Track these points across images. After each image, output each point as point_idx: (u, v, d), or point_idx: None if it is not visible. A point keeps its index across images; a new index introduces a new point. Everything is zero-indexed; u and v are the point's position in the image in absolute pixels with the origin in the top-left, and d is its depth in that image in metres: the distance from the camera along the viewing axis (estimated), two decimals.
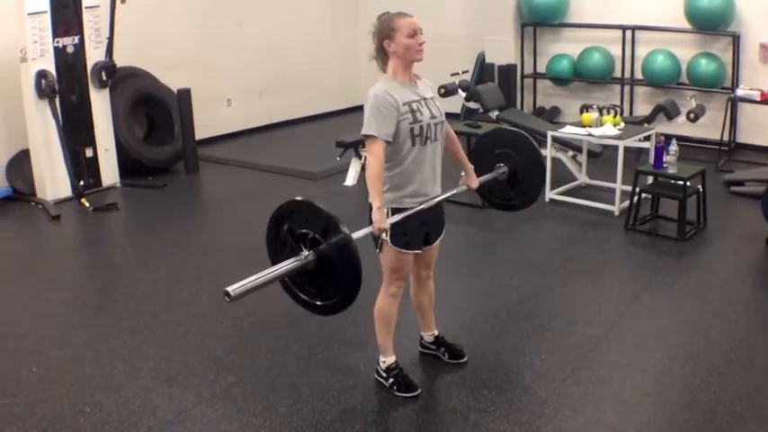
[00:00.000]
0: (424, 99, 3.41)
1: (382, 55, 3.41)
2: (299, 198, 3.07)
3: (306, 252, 2.98)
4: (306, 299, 3.15)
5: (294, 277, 3.10)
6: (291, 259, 2.98)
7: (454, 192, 3.72)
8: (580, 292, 4.81)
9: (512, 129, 4.16)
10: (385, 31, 3.34)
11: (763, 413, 3.39)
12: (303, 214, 3.02)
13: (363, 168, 7.51)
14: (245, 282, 2.86)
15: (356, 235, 3.08)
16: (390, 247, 3.40)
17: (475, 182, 3.78)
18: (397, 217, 3.34)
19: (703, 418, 3.34)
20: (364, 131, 3.27)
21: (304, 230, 2.99)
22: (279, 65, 10.12)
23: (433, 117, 3.39)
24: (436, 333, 3.94)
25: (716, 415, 3.36)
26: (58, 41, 6.85)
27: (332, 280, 3.01)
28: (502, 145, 4.03)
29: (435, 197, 3.49)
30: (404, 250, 3.43)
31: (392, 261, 3.44)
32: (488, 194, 4.17)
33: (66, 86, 6.99)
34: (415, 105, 3.34)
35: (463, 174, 3.79)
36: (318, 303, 3.11)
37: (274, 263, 3.11)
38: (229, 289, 2.81)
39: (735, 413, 3.37)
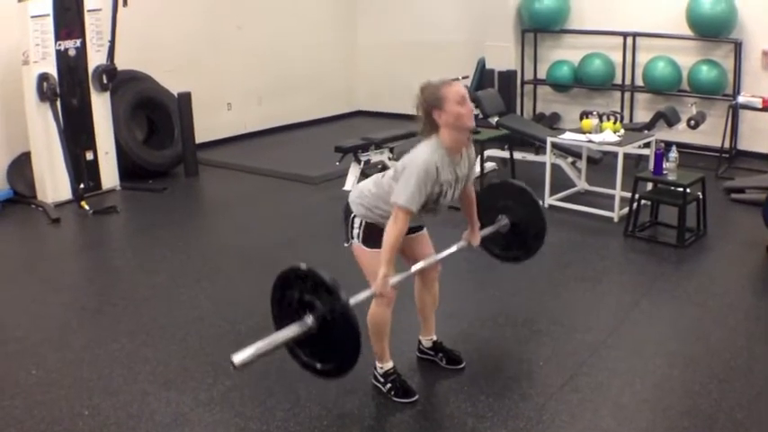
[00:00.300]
0: (457, 180, 3.44)
1: (429, 127, 3.36)
2: (301, 266, 3.06)
3: (308, 318, 2.99)
4: (308, 361, 3.15)
5: (298, 341, 3.10)
6: (294, 325, 2.99)
7: (454, 249, 3.78)
8: (579, 299, 4.80)
9: (513, 181, 4.26)
10: (433, 102, 3.30)
11: (764, 421, 3.38)
12: (305, 281, 3.03)
13: (363, 173, 7.52)
14: (249, 350, 2.86)
15: (356, 299, 3.15)
16: (364, 250, 3.45)
17: (477, 239, 3.83)
18: (399, 277, 3.42)
19: (703, 426, 3.33)
20: (402, 203, 3.22)
21: (306, 296, 3.01)
22: (279, 69, 10.14)
23: (452, 198, 3.48)
24: (434, 338, 3.93)
25: (716, 422, 3.35)
26: (60, 44, 6.86)
27: (333, 345, 3.03)
28: (503, 198, 4.11)
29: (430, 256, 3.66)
30: (378, 250, 3.37)
31: (371, 263, 3.39)
32: (490, 245, 4.21)
33: (68, 89, 7.00)
34: (445, 186, 3.37)
35: (468, 229, 3.83)
36: (319, 367, 3.11)
37: (278, 325, 3.14)
38: (235, 359, 2.82)
39: (735, 420, 3.36)
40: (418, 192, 3.22)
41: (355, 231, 3.46)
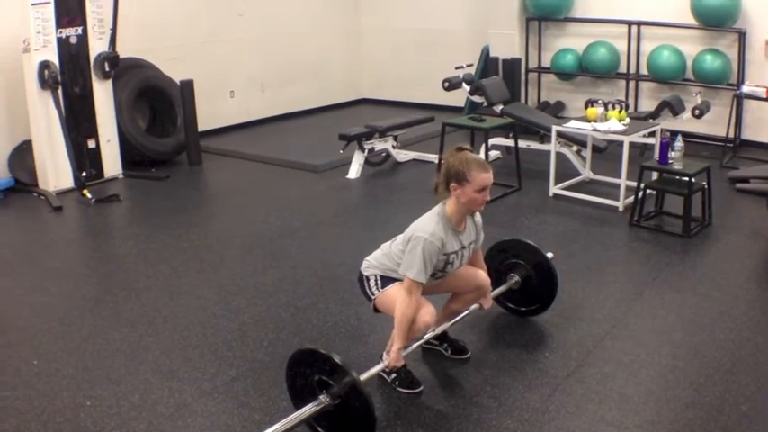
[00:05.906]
0: (464, 248, 3.50)
1: (444, 190, 3.42)
2: (312, 348, 3.24)
3: (323, 397, 3.08)
4: None
5: (317, 420, 3.17)
6: (310, 405, 3.09)
7: (467, 312, 3.84)
8: (583, 288, 4.77)
9: (513, 238, 4.35)
10: (457, 176, 3.34)
11: None
12: (317, 362, 3.13)
13: (366, 161, 7.49)
14: None
15: (366, 375, 3.28)
16: (386, 292, 3.50)
17: (489, 301, 3.86)
18: (414, 346, 3.54)
19: (708, 417, 3.31)
20: (412, 275, 3.29)
21: (321, 376, 3.11)
22: (282, 56, 10.11)
23: (459, 266, 3.54)
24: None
25: (721, 414, 3.33)
26: (61, 32, 6.82)
27: (348, 420, 3.09)
28: (509, 256, 4.21)
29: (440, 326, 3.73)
30: (397, 282, 3.48)
31: (393, 297, 3.44)
32: (504, 302, 4.32)
33: (69, 77, 6.97)
34: (452, 257, 3.43)
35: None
36: None
37: (295, 403, 3.26)
38: None
39: (740, 412, 3.34)
40: (425, 265, 3.29)
41: (372, 287, 3.55)
